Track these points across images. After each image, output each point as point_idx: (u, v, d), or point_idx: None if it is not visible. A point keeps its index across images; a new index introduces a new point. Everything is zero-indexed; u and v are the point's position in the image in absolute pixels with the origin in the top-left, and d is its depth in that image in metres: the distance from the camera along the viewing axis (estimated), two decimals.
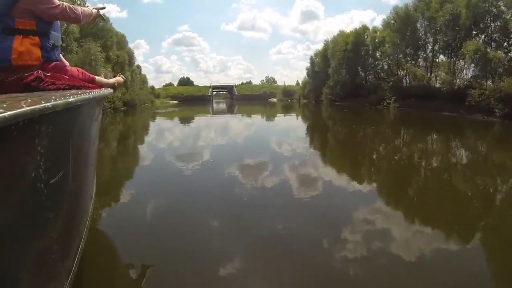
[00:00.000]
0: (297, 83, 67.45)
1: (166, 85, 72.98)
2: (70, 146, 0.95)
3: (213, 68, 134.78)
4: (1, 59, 1.19)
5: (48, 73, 1.19)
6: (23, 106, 0.55)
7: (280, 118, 18.47)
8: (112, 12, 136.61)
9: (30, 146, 0.66)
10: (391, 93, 23.05)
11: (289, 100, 45.24)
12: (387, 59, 26.73)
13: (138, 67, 35.24)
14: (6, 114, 0.48)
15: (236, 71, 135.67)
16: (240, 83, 69.10)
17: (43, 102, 0.64)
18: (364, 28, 31.05)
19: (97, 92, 1.19)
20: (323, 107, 27.66)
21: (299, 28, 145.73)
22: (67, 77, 1.28)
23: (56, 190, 0.87)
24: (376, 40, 27.91)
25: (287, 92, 48.28)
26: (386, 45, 24.74)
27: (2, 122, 0.47)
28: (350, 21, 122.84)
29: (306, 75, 44.87)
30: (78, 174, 1.21)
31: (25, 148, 0.64)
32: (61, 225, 1.00)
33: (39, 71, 1.15)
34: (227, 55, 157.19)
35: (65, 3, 1.40)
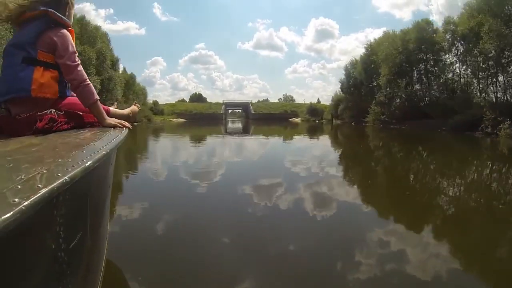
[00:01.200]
0: (318, 101, 59.46)
1: (178, 101, 66.87)
2: (87, 204, 0.89)
3: (229, 87, 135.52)
4: (20, 89, 1.12)
5: (62, 111, 1.15)
6: (39, 187, 0.50)
7: (318, 147, 9.16)
8: (131, 29, 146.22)
9: (47, 221, 0.62)
10: (499, 113, 13.68)
11: (317, 121, 36.61)
12: (479, 60, 17.81)
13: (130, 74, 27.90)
14: (23, 206, 0.45)
15: (252, 90, 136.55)
16: (257, 101, 61.51)
17: (59, 174, 0.57)
18: (427, 22, 22.58)
19: (114, 141, 0.99)
20: (369, 131, 18.76)
21: (314, 47, 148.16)
22: (80, 113, 1.22)
23: (76, 251, 0.81)
24: (456, 34, 19.23)
25: (314, 110, 39.67)
26: (484, 37, 15.83)
27: (19, 215, 0.44)
28: (364, 39, 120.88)
29: (339, 90, 36.51)
30: (97, 225, 1.10)
31: (43, 225, 0.60)
32: (81, 277, 0.91)
33: (53, 111, 1.11)
34: (243, 73, 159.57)
35: (86, 79, 1.26)
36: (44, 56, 1.17)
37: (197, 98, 70.13)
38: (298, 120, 42.45)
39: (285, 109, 53.66)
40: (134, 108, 1.69)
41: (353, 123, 27.65)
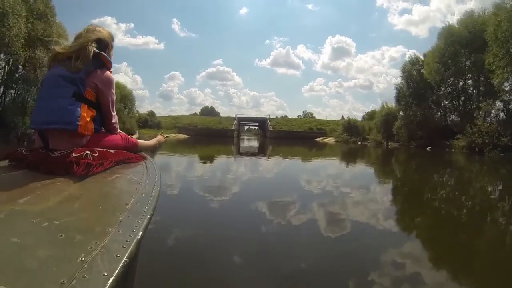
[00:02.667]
0: (342, 118, 49.74)
1: (190, 115, 59.39)
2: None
3: (246, 104, 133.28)
4: (69, 122, 1.11)
5: (96, 152, 1.10)
6: (105, 276, 0.48)
7: None
8: (150, 43, 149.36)
9: None
10: None
11: (359, 142, 26.73)
12: None
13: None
14: None
15: (269, 107, 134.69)
16: (275, 117, 52.22)
17: (118, 255, 0.54)
18: None
19: (154, 196, 0.89)
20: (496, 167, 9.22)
21: (331, 65, 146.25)
22: (112, 151, 1.20)
23: None
24: None
25: (353, 128, 29.78)
26: None
27: None
28: (381, 57, 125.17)
29: (386, 102, 26.93)
30: None
31: None
32: None
33: (88, 153, 1.07)
34: (260, 91, 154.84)
35: (121, 133, 1.41)
36: (89, 94, 1.19)
37: (209, 111, 62.21)
38: (328, 140, 32.73)
39: (310, 126, 44.14)
40: (160, 138, 1.74)
41: (428, 148, 17.65)
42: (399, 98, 23.25)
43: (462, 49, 18.42)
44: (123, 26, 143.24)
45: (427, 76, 20.13)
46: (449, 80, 19.41)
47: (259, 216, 2.95)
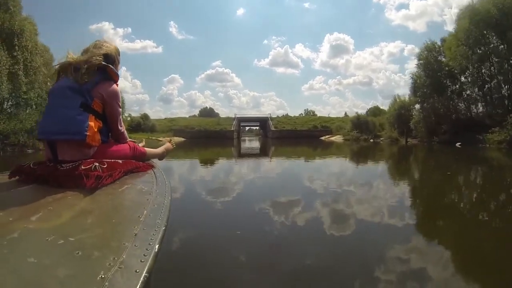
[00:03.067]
0: (346, 115, 47.65)
1: (190, 117, 57.15)
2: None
3: (246, 104, 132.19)
4: (77, 132, 1.11)
5: (105, 163, 1.09)
6: None
7: None
8: (148, 47, 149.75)
9: None
10: None
11: (371, 139, 24.34)
12: None
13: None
14: None
15: (270, 107, 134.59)
16: (276, 116, 49.57)
17: (137, 270, 0.54)
18: None
19: (166, 206, 0.89)
20: None
21: (330, 63, 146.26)
22: (120, 161, 1.19)
23: None
24: None
25: (364, 124, 27.25)
26: None
27: None
28: (379, 53, 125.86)
29: (397, 96, 24.68)
30: None
31: None
32: None
33: (97, 165, 1.06)
34: (260, 91, 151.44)
35: (130, 141, 1.42)
36: (96, 105, 1.19)
37: (208, 113, 59.74)
38: (335, 138, 30.39)
39: (314, 124, 41.71)
40: (168, 145, 1.73)
41: (458, 144, 15.23)
42: (415, 89, 20.83)
43: (490, 29, 16.06)
44: (120, 31, 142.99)
45: (449, 62, 17.75)
46: (475, 65, 17.01)
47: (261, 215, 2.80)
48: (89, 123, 1.12)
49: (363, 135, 25.20)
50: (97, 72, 1.18)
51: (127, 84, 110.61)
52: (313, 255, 1.93)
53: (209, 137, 35.55)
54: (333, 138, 31.65)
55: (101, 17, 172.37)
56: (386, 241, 2.16)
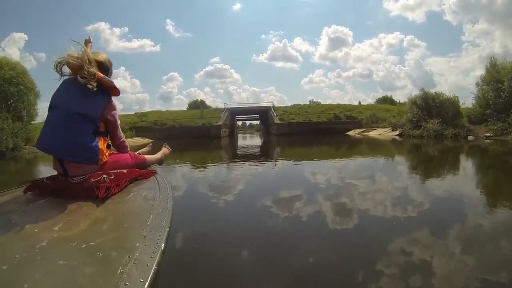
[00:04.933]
0: (360, 104, 37.12)
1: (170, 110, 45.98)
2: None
3: (247, 100, 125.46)
4: (90, 158, 1.20)
5: (111, 175, 1.18)
6: (141, 282, 0.60)
7: None
8: (146, 46, 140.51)
9: None
10: None
11: (467, 136, 12.63)
12: None
13: None
14: None
15: (270, 102, 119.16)
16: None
17: (148, 264, 0.66)
18: None
19: (169, 210, 1.00)
20: None
21: (329, 56, 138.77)
22: (125, 171, 1.28)
23: None
24: None
25: (435, 109, 15.32)
26: None
27: None
28: (378, 44, 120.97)
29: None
30: None
31: None
32: None
33: (105, 177, 1.15)
34: (260, 86, 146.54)
35: (130, 152, 1.47)
36: (102, 126, 1.26)
37: (198, 106, 48.03)
38: (374, 133, 18.99)
39: (334, 113, 29.99)
40: (165, 150, 1.80)
41: None
42: None
43: None
44: (117, 30, 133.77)
45: None
46: None
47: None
48: (100, 147, 1.20)
49: (448, 128, 13.51)
50: (105, 94, 1.24)
51: (126, 84, 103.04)
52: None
53: (185, 136, 24.52)
54: (370, 134, 20.11)
55: (96, 18, 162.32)
56: None
